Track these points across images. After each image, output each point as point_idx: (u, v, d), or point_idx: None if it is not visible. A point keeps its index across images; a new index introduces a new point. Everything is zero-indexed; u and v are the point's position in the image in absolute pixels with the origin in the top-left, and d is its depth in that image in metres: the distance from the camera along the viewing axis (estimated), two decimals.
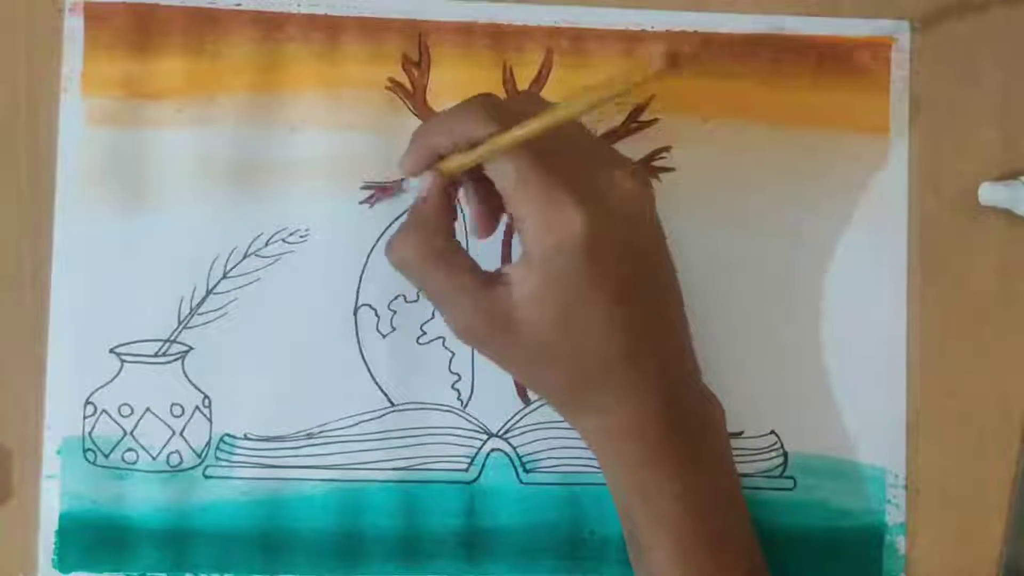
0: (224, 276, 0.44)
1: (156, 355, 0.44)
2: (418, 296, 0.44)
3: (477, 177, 0.38)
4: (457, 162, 0.37)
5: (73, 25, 0.44)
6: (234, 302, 0.44)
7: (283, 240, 0.44)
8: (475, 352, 0.44)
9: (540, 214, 0.35)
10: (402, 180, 0.44)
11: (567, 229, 0.35)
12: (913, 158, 0.46)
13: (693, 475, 0.38)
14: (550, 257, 0.35)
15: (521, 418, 0.44)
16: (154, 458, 0.43)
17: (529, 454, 0.44)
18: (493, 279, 0.37)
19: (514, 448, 0.44)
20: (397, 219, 0.44)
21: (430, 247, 0.37)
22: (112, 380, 0.43)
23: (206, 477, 0.44)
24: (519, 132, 0.34)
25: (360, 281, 0.44)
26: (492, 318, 0.36)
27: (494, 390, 0.44)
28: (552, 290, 0.35)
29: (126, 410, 0.43)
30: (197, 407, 0.44)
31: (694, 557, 0.37)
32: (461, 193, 0.40)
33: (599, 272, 0.35)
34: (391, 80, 0.45)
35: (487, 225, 0.40)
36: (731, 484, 0.40)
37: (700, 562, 0.37)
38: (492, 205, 0.39)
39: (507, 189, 0.36)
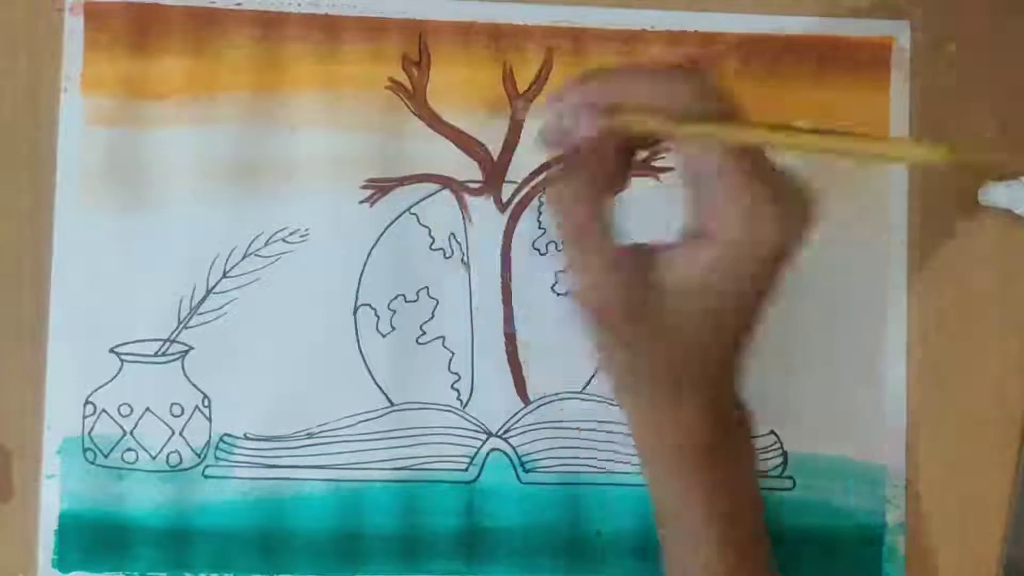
0: (224, 276, 0.44)
1: (156, 355, 0.44)
2: (418, 296, 0.44)
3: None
4: (657, 124, 0.32)
5: (73, 25, 0.44)
6: (234, 302, 0.44)
7: (283, 240, 0.44)
8: (474, 351, 0.44)
9: (741, 206, 0.32)
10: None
11: (763, 231, 0.32)
12: None
13: (738, 471, 0.37)
14: (735, 245, 0.32)
15: (521, 418, 0.44)
16: (154, 458, 0.43)
17: (529, 454, 0.44)
18: (639, 252, 0.33)
19: (514, 448, 0.44)
20: (397, 219, 0.44)
21: (594, 192, 0.33)
22: (112, 380, 0.43)
23: (206, 477, 0.44)
24: (746, 134, 0.32)
25: (360, 281, 0.44)
26: (633, 291, 0.32)
27: (494, 390, 0.44)
28: (723, 276, 0.32)
29: (126, 410, 0.43)
30: (197, 407, 0.44)
31: (740, 547, 0.37)
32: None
33: (766, 274, 0.33)
34: (391, 80, 0.45)
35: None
36: (756, 479, 0.39)
37: (744, 548, 0.37)
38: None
39: (703, 167, 0.32)
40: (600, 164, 0.33)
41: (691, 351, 0.34)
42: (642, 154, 0.35)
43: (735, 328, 0.34)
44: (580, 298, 0.33)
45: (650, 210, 0.45)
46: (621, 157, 0.34)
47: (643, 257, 0.33)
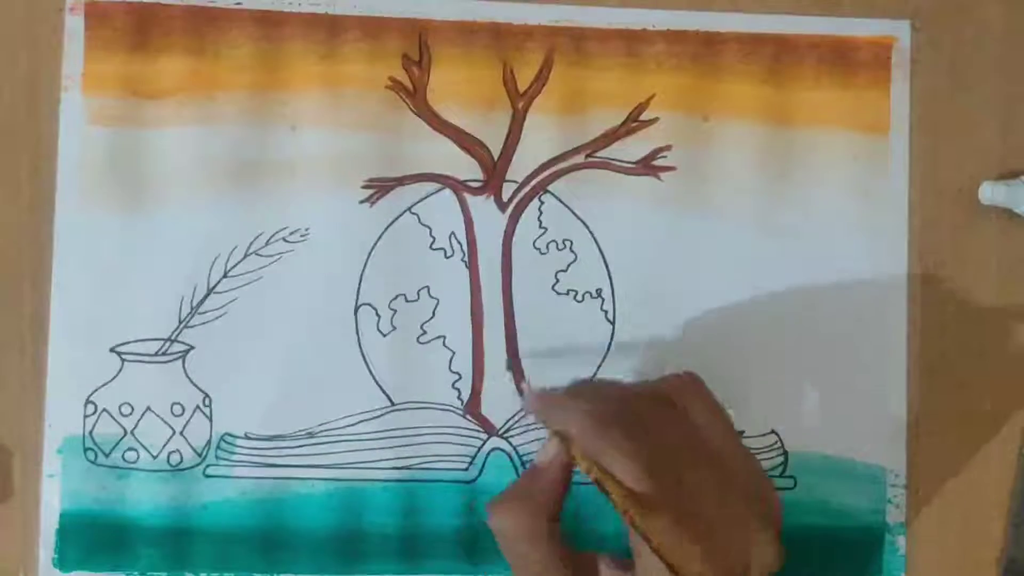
0: (225, 275, 0.44)
1: (157, 354, 0.44)
2: (418, 295, 0.44)
3: None
4: (585, 465, 0.34)
5: (73, 25, 0.44)
6: (235, 301, 0.44)
7: (284, 239, 0.44)
8: (474, 350, 0.44)
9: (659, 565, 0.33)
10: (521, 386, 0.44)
11: None
12: (913, 158, 0.46)
13: None
14: None
15: (521, 417, 0.44)
16: (154, 457, 0.43)
17: (529, 453, 0.44)
18: (584, 569, 0.35)
19: (514, 447, 0.44)
20: (397, 219, 0.44)
21: (534, 526, 0.35)
22: (113, 379, 0.43)
23: (206, 476, 0.44)
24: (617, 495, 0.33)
25: (360, 280, 0.44)
26: None
27: (494, 390, 0.44)
28: None
29: (127, 409, 0.43)
30: (197, 406, 0.44)
31: None
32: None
33: None
34: (391, 79, 0.45)
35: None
36: None
37: None
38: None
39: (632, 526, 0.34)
40: (545, 479, 0.36)
41: None
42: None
43: None
44: None
45: (650, 210, 0.45)
46: (566, 480, 0.36)
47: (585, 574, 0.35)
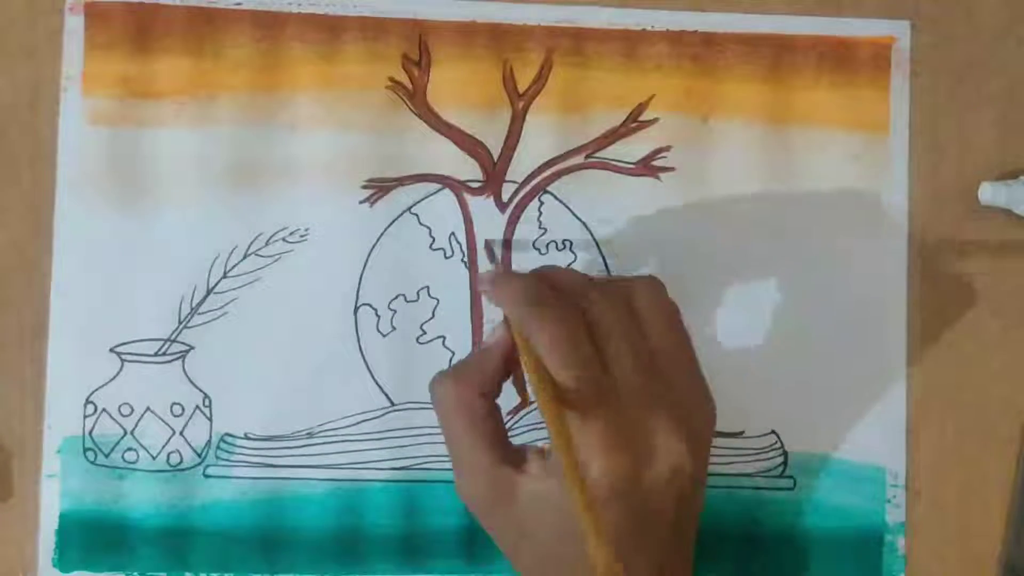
0: (224, 275, 0.44)
1: (156, 354, 0.44)
2: (418, 295, 0.44)
3: None
4: (520, 346, 0.35)
5: (73, 25, 0.44)
6: (234, 301, 0.44)
7: (283, 239, 0.44)
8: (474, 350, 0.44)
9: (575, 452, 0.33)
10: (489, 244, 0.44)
11: (602, 476, 0.33)
12: (913, 158, 0.46)
13: None
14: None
15: (521, 418, 0.44)
16: (154, 457, 0.43)
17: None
18: (511, 458, 0.36)
19: None
20: (397, 219, 0.44)
21: (466, 398, 0.36)
22: (112, 379, 0.43)
23: (206, 476, 0.44)
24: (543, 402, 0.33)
25: (360, 280, 0.44)
26: (497, 495, 0.36)
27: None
28: (559, 504, 0.34)
29: (126, 409, 0.43)
30: (197, 406, 0.44)
31: None
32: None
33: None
34: (391, 80, 0.45)
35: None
36: None
37: None
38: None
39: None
40: (484, 370, 0.36)
41: (551, 556, 0.35)
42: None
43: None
44: (456, 489, 0.37)
45: (650, 210, 0.45)
46: (507, 362, 0.37)
47: (510, 463, 0.36)
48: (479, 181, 0.45)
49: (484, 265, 0.45)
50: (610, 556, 0.31)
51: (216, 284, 0.44)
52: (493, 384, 0.37)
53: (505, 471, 0.35)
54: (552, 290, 0.36)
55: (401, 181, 0.45)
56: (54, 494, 0.43)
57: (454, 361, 0.44)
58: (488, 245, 0.44)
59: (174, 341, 0.44)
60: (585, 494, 0.31)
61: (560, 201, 0.45)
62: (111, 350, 0.44)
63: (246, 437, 0.44)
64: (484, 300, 0.45)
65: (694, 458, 0.35)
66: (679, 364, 0.37)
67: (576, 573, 0.34)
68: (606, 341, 0.35)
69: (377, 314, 0.44)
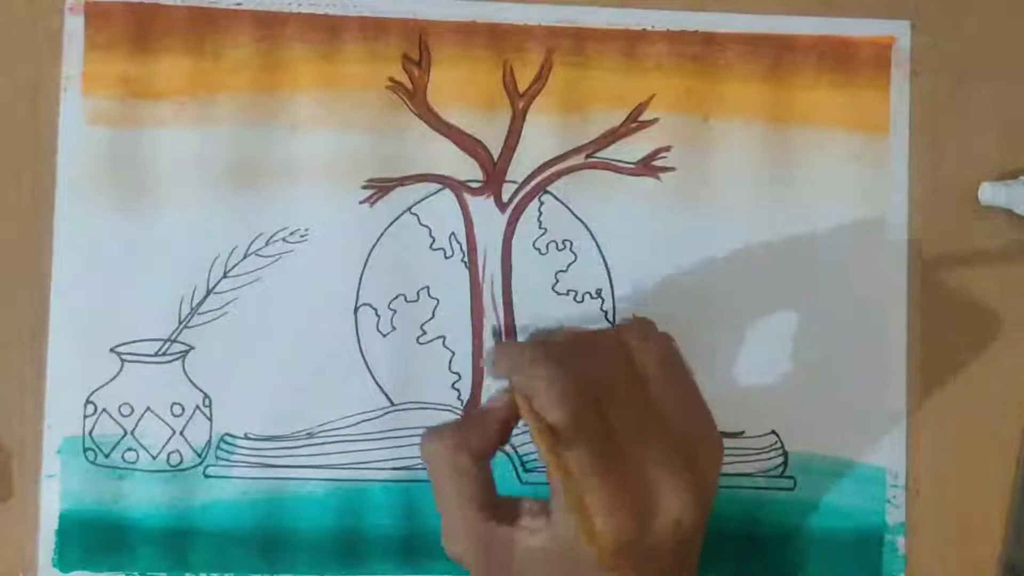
0: (224, 275, 0.44)
1: (156, 354, 0.44)
2: (418, 295, 0.44)
3: None
4: (517, 399, 0.35)
5: (73, 25, 0.44)
6: (234, 301, 0.44)
7: (283, 240, 0.44)
8: (475, 354, 0.44)
9: (567, 517, 0.33)
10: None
11: (600, 537, 0.33)
12: (913, 158, 0.46)
13: None
14: (564, 539, 0.34)
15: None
16: (154, 457, 0.43)
17: (529, 454, 0.44)
18: (504, 513, 0.35)
19: (514, 448, 0.44)
20: (397, 219, 0.44)
21: (456, 459, 0.35)
22: (112, 380, 0.43)
23: (206, 477, 0.44)
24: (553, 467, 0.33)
25: (360, 280, 0.44)
26: (490, 554, 0.35)
27: (494, 389, 0.44)
28: (561, 559, 0.34)
29: (126, 409, 0.43)
30: (197, 406, 0.44)
31: None
32: None
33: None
34: (391, 80, 0.45)
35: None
36: None
37: None
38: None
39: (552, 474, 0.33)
40: (486, 418, 0.36)
41: None
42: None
43: None
44: (444, 544, 0.36)
45: (650, 210, 0.45)
46: (503, 429, 0.36)
47: (503, 518, 0.35)
48: (479, 181, 0.45)
49: (488, 232, 0.45)
50: None
51: (216, 284, 0.44)
52: (489, 447, 0.36)
53: (498, 529, 0.35)
54: (549, 352, 0.35)
55: (401, 181, 0.45)
56: (54, 494, 0.43)
57: (453, 361, 0.44)
58: (495, 329, 0.44)
59: (174, 341, 0.44)
60: (600, 542, 0.32)
61: (560, 201, 0.45)
62: (111, 350, 0.44)
63: (246, 437, 0.44)
64: (484, 299, 0.45)
65: (698, 504, 0.34)
66: (680, 403, 0.36)
67: None
68: (605, 395, 0.35)
69: (377, 314, 0.44)
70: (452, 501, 0.35)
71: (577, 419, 0.33)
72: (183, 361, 0.44)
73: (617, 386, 0.35)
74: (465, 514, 0.35)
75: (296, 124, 0.44)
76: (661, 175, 0.45)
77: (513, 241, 0.45)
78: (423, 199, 0.45)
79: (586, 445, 0.33)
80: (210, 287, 0.44)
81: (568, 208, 0.45)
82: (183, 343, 0.44)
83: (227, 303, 0.44)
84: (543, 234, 0.45)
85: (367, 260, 0.44)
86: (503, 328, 0.44)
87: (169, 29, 0.44)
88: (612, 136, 0.45)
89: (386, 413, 0.44)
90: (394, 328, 0.44)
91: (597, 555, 0.32)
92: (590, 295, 0.45)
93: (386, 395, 0.44)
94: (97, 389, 0.43)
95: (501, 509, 0.35)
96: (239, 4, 0.44)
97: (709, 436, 0.37)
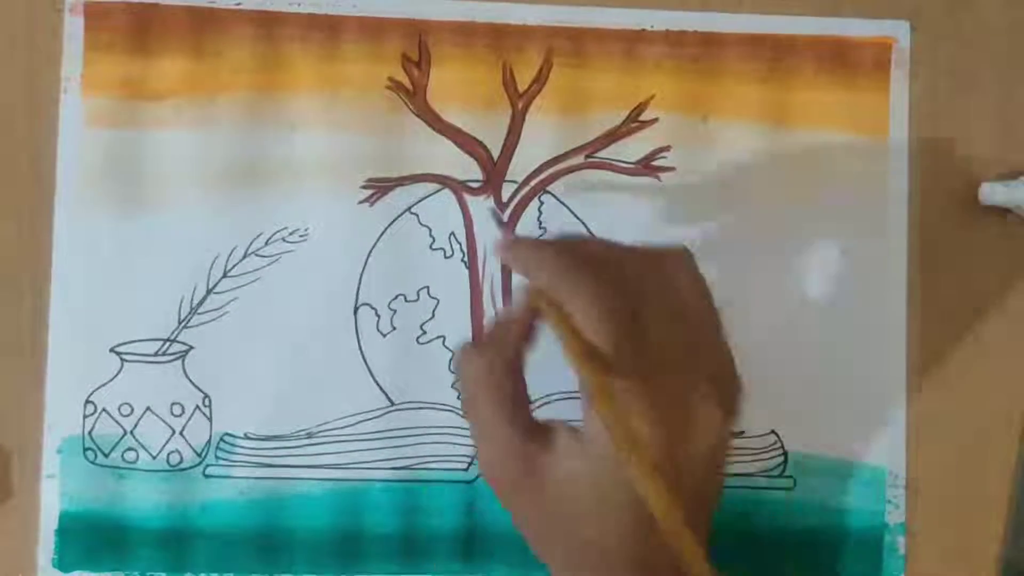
0: (224, 275, 0.44)
1: (156, 354, 0.44)
2: (418, 295, 0.44)
3: None
4: (545, 309, 0.33)
5: (73, 25, 0.44)
6: (234, 301, 0.44)
7: (283, 239, 0.44)
8: None
9: (603, 438, 0.32)
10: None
11: (641, 450, 0.31)
12: (913, 158, 0.46)
13: None
14: (602, 460, 0.32)
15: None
16: (154, 457, 0.43)
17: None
18: (537, 436, 0.34)
19: None
20: (397, 218, 0.44)
21: (487, 368, 0.34)
22: (112, 379, 0.43)
23: (206, 476, 0.44)
24: (587, 373, 0.32)
25: (360, 280, 0.44)
26: (522, 475, 0.33)
27: None
28: (595, 483, 0.32)
29: (126, 409, 0.43)
30: (197, 406, 0.44)
31: None
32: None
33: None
34: (391, 80, 0.45)
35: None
36: None
37: None
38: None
39: (584, 384, 0.33)
40: (508, 342, 0.34)
41: (585, 543, 0.33)
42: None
43: (628, 525, 0.32)
44: (480, 467, 0.35)
45: (650, 210, 0.45)
46: (528, 319, 0.35)
47: (538, 440, 0.33)
48: (479, 181, 0.45)
49: (488, 232, 0.45)
50: (679, 521, 0.29)
51: (216, 284, 0.44)
52: (518, 355, 0.35)
53: (531, 449, 0.33)
54: (586, 261, 0.34)
55: (401, 181, 0.45)
56: (54, 494, 0.43)
57: (454, 361, 0.44)
58: (494, 211, 0.44)
59: (174, 341, 0.44)
60: (646, 463, 0.30)
61: (560, 201, 0.45)
62: (111, 350, 0.44)
63: (246, 437, 0.44)
64: (484, 299, 0.45)
65: (729, 428, 0.33)
66: (714, 334, 0.35)
67: (614, 559, 0.32)
68: (642, 308, 0.33)
69: (377, 314, 0.44)
70: (488, 412, 0.34)
71: (619, 342, 0.32)
72: (183, 361, 0.44)
73: (656, 303, 0.34)
74: (501, 428, 0.33)
75: (296, 124, 0.44)
76: (661, 175, 0.45)
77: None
78: (423, 199, 0.45)
79: (623, 369, 0.32)
80: (210, 287, 0.44)
81: (568, 208, 0.45)
82: (183, 343, 0.44)
83: (227, 303, 0.44)
84: (543, 234, 0.45)
85: (367, 260, 0.44)
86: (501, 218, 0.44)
87: (169, 29, 0.44)
88: (612, 136, 0.45)
89: (386, 413, 0.44)
90: (394, 328, 0.44)
91: (636, 466, 0.30)
92: None
93: (386, 395, 0.44)
94: (97, 389, 0.43)
95: (535, 430, 0.34)
96: (239, 4, 0.44)
97: (736, 374, 0.36)
